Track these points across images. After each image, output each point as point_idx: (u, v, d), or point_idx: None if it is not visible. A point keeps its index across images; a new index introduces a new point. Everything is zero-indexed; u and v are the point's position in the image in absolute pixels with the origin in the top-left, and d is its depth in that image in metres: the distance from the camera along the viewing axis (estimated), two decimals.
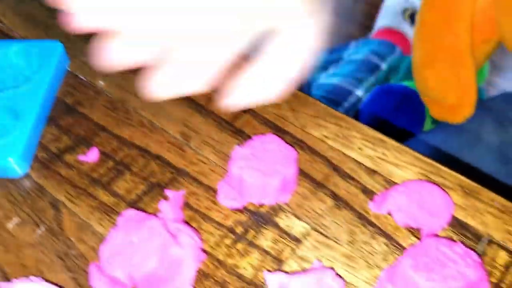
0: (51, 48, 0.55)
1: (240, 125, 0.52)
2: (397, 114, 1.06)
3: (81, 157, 0.49)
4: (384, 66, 1.23)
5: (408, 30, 1.35)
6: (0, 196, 0.46)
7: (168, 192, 0.46)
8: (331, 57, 1.32)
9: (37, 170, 0.49)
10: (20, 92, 0.51)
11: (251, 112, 0.53)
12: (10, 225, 0.45)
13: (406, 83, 1.11)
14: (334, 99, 1.14)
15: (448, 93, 0.76)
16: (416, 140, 0.79)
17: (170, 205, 0.44)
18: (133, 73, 0.54)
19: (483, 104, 0.81)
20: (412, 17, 1.35)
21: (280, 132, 0.51)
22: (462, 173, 0.48)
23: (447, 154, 0.75)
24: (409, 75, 0.95)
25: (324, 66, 1.28)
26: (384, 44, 1.30)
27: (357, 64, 1.24)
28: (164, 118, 0.52)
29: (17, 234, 0.44)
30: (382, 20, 1.36)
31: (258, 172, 0.44)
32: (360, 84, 1.17)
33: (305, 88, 0.97)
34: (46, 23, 0.62)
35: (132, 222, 0.41)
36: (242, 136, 0.51)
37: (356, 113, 1.14)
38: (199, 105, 0.54)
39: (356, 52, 1.29)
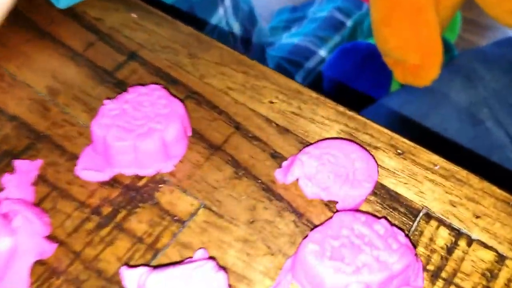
0: None
1: (124, 76, 0.42)
2: (362, 73, 0.98)
3: None
4: (349, 23, 1.14)
5: None
6: None
7: (17, 163, 0.36)
8: (295, 15, 1.22)
9: None
10: None
11: (139, 59, 0.43)
12: None
13: (372, 41, 1.02)
14: (295, 60, 1.05)
15: (410, 53, 0.70)
16: (378, 105, 0.72)
17: (17, 179, 0.34)
18: None
19: (453, 61, 0.74)
20: None
21: (173, 83, 0.41)
22: (425, 140, 0.38)
23: (410, 120, 0.68)
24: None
25: (287, 25, 1.19)
26: (350, 0, 1.21)
27: (321, 22, 1.14)
28: (30, 70, 0.42)
29: None
30: None
31: (127, 132, 0.34)
32: (324, 44, 1.08)
33: (256, 51, 0.88)
34: None
35: None
36: (123, 89, 0.41)
37: (319, 75, 1.06)
38: (75, 52, 0.43)
39: (320, 10, 1.20)
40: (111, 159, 0.35)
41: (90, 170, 0.36)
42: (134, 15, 0.46)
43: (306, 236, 0.31)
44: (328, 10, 1.17)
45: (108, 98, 0.37)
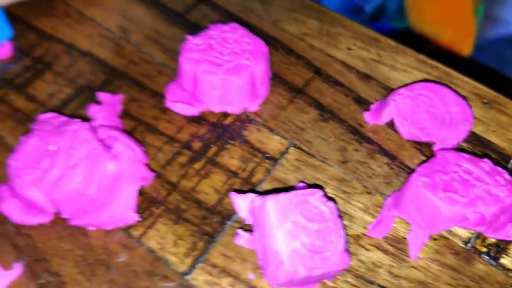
0: None
1: (195, 18, 0.42)
2: None
3: None
4: (368, 8, 1.14)
5: None
6: None
7: (101, 96, 0.36)
8: None
9: None
10: None
11: (209, 3, 0.43)
12: None
13: (393, 24, 1.03)
14: None
15: (445, 27, 0.72)
16: None
17: (104, 110, 0.34)
18: None
19: (477, 47, 0.76)
20: None
21: (246, 27, 0.41)
22: None
23: None
24: (397, 15, 0.90)
25: None
26: None
27: (338, 7, 1.15)
28: (97, 8, 0.42)
29: None
30: None
31: (217, 67, 0.35)
32: None
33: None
34: None
35: (51, 127, 0.31)
36: (197, 31, 0.41)
37: None
38: None
39: None
40: (199, 94, 0.36)
41: (180, 103, 0.36)
42: None
43: (403, 176, 0.32)
44: None
45: (183, 40, 0.37)
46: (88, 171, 0.30)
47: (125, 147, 0.31)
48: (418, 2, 0.71)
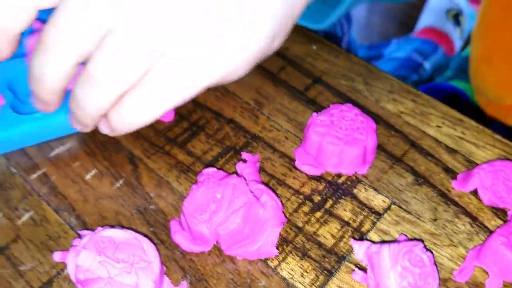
0: None
1: (313, 96, 0.50)
2: None
3: None
4: (427, 65, 1.18)
5: (452, 31, 1.31)
6: (77, 148, 0.45)
7: (244, 155, 0.44)
8: (371, 53, 1.27)
9: None
10: None
11: (323, 84, 0.51)
12: (89, 177, 0.43)
13: (453, 83, 1.08)
14: None
15: (507, 92, 0.74)
16: None
17: (248, 167, 0.42)
18: None
19: None
20: (456, 17, 1.32)
21: (353, 105, 0.49)
22: None
23: None
24: (460, 74, 0.93)
25: None
26: (427, 42, 1.25)
27: (399, 62, 1.19)
28: (237, 84, 0.51)
29: (96, 185, 0.43)
30: (425, 20, 1.32)
31: (338, 139, 0.42)
32: None
33: None
34: None
35: (214, 179, 0.39)
36: (314, 106, 0.49)
37: None
38: (271, 73, 0.52)
39: (398, 50, 1.25)
40: (321, 159, 0.43)
41: (307, 165, 0.44)
42: (314, 47, 0.55)
43: (482, 234, 0.39)
44: (407, 51, 1.21)
45: (303, 112, 0.47)
46: (245, 215, 0.37)
47: (270, 197, 0.39)
48: (481, 67, 0.73)
